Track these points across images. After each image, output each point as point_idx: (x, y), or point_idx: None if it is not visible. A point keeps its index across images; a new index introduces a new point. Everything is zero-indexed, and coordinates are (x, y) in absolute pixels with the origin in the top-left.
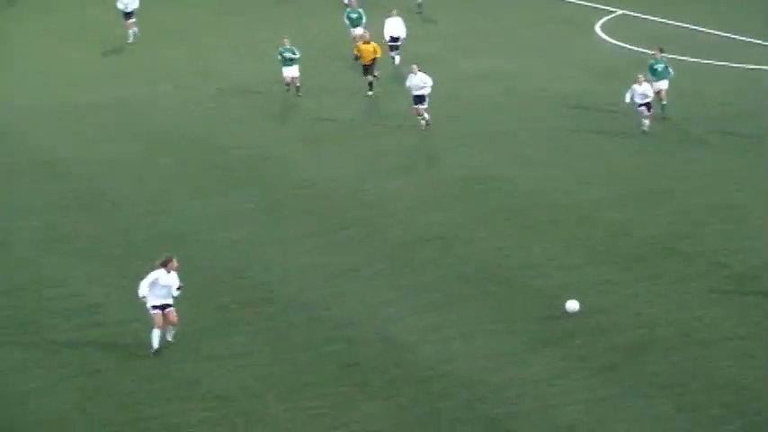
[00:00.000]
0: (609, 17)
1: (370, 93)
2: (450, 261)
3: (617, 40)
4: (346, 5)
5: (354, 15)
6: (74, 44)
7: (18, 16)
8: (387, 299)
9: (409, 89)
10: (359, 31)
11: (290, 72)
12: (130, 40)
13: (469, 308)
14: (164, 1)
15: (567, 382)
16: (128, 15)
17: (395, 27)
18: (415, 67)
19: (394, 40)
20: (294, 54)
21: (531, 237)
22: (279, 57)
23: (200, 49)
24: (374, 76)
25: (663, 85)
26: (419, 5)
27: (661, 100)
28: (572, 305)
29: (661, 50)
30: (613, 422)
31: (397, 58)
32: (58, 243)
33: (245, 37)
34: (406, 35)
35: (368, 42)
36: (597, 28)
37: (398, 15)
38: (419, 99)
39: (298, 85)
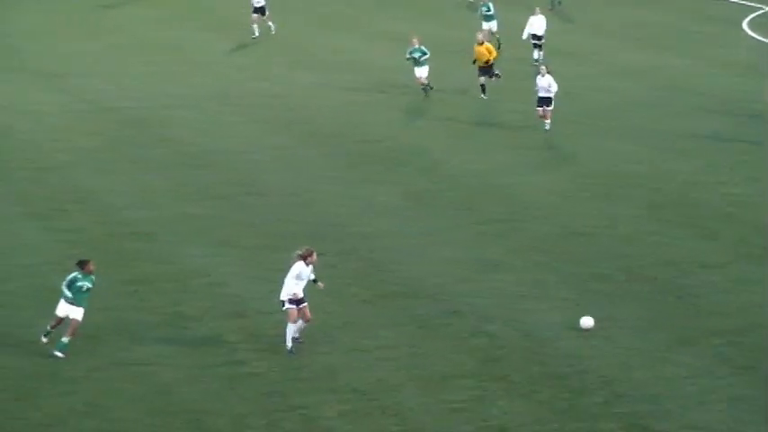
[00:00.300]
0: (757, 14)
1: (483, 96)
2: (591, 257)
3: (765, 38)
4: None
5: (487, 11)
6: (218, 35)
7: (163, 8)
8: (528, 294)
9: (536, 91)
10: (489, 25)
11: (422, 72)
12: (258, 33)
13: (610, 305)
14: None
15: (709, 381)
16: (258, 10)
17: (537, 25)
18: (543, 68)
19: (536, 38)
20: (425, 54)
21: (674, 234)
22: (407, 57)
23: (345, 42)
24: (495, 75)
25: None
26: (556, 2)
27: None
28: (586, 322)
29: None
30: (754, 422)
31: (540, 54)
32: (202, 234)
33: (389, 29)
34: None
35: (481, 43)
36: (744, 24)
37: (541, 13)
38: (544, 101)
39: (426, 83)
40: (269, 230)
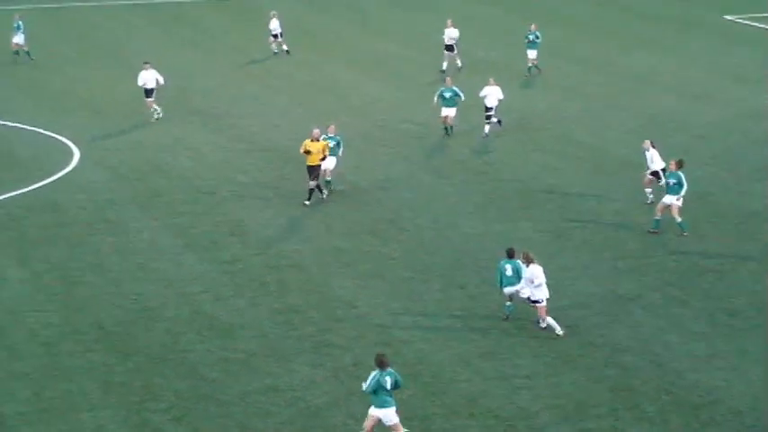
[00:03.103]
0: None
1: (306, 203)
2: (721, 293)
3: None
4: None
5: (532, 37)
6: (366, 76)
7: (313, 51)
8: (660, 327)
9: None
10: (531, 53)
11: (449, 112)
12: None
13: (738, 338)
14: None
15: None
16: (449, 48)
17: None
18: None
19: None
20: (457, 95)
21: None
22: (436, 97)
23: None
24: (321, 187)
25: None
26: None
27: None
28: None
29: None
30: None
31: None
32: (348, 266)
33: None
34: None
35: (316, 140)
36: None
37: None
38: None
39: (452, 125)
40: (411, 263)
